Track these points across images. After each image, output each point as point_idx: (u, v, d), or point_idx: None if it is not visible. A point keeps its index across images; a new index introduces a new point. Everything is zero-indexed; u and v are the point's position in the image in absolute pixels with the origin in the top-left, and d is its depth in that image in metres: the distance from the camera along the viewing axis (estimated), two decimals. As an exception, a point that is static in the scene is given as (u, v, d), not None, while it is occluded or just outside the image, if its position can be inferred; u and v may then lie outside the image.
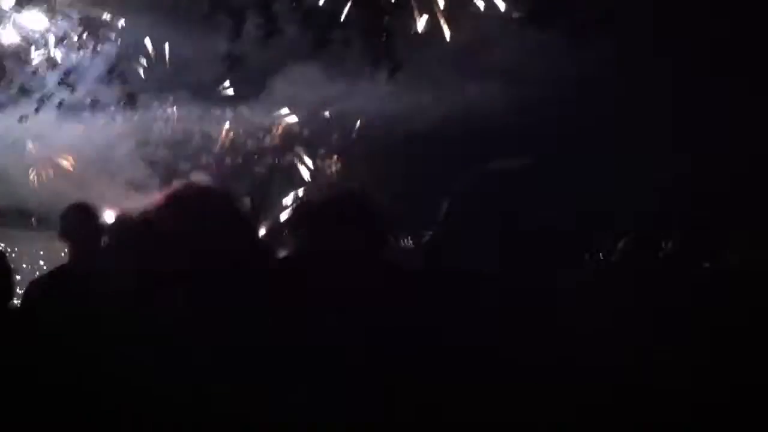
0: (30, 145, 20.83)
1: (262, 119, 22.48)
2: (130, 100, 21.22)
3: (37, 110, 19.52)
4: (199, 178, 22.58)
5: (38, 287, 3.32)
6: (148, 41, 21.94)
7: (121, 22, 21.76)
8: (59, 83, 21.70)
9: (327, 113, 22.79)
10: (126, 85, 22.13)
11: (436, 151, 20.52)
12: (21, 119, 18.82)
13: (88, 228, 3.39)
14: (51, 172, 22.10)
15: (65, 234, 3.41)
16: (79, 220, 3.41)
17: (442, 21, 22.01)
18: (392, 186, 19.47)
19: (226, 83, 22.63)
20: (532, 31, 21.43)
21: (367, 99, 22.65)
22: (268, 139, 22.53)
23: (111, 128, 21.91)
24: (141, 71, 22.12)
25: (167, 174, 23.21)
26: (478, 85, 19.30)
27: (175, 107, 22.13)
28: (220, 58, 22.53)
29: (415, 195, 19.08)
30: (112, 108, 21.96)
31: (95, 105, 21.69)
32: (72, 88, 22.36)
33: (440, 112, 18.90)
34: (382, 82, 22.39)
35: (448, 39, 22.19)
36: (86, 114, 21.66)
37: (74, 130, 21.38)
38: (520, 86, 19.34)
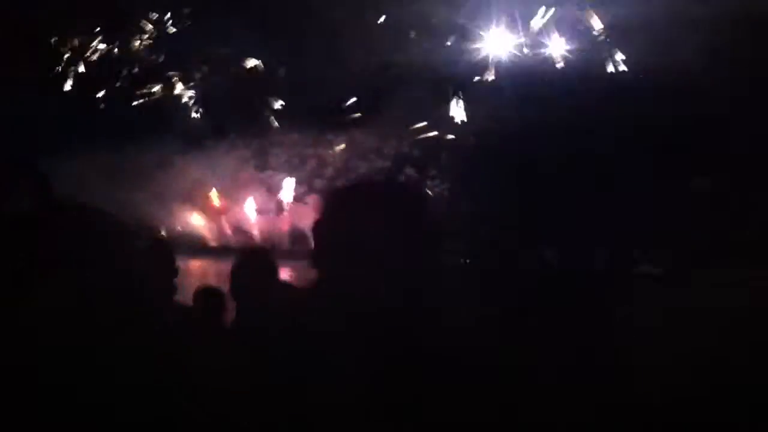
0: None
1: (374, 142, 24.10)
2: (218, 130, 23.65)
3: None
4: (314, 201, 23.99)
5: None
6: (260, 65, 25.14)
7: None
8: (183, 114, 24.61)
9: (436, 133, 24.19)
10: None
11: (546, 166, 21.62)
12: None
13: None
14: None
15: None
16: None
17: (547, 40, 24.28)
18: (503, 202, 20.60)
19: (347, 105, 24.79)
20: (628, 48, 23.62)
21: (475, 119, 24.21)
22: (380, 162, 23.85)
23: (233, 155, 24.27)
24: (271, 102, 24.96)
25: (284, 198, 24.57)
26: (587, 104, 21.04)
27: (289, 133, 24.38)
28: (335, 84, 25.25)
29: (527, 210, 20.37)
30: (233, 135, 24.47)
31: (217, 133, 24.09)
32: (198, 116, 25.31)
33: (549, 130, 20.64)
34: (488, 101, 24.16)
35: (557, 62, 24.20)
36: (209, 141, 24.25)
37: (199, 158, 23.89)
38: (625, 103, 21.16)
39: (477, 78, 22.79)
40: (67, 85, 22.06)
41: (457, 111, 22.68)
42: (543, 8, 21.74)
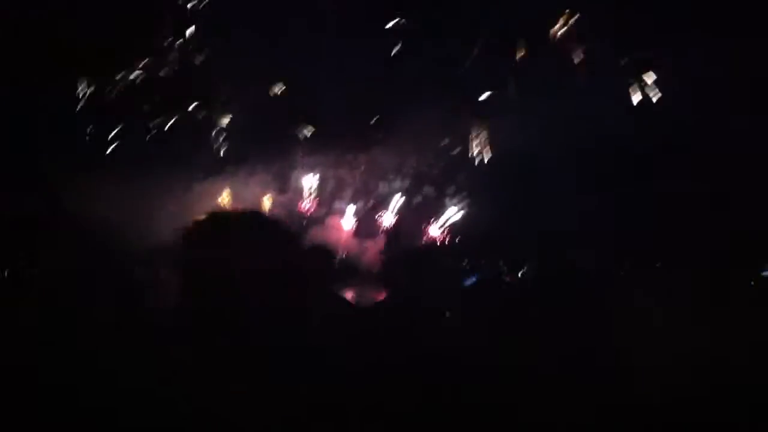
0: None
1: (392, 161, 24.19)
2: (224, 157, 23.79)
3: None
4: (334, 221, 24.16)
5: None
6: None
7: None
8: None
9: (455, 152, 24.25)
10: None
11: (565, 182, 21.62)
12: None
13: None
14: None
15: None
16: None
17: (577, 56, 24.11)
18: (519, 216, 20.69)
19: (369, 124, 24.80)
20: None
21: (494, 136, 24.28)
22: (398, 181, 23.94)
23: (252, 179, 24.46)
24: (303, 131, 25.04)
25: (303, 220, 24.69)
26: (604, 117, 20.96)
27: (311, 154, 24.51)
28: (353, 105, 25.30)
29: (543, 222, 20.46)
30: (255, 158, 24.63)
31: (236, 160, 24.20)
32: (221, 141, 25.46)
33: (568, 146, 20.65)
34: (507, 119, 24.13)
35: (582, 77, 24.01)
36: (230, 166, 24.46)
37: (221, 181, 24.10)
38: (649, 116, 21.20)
39: (498, 92, 22.52)
40: (92, 109, 22.18)
41: (480, 126, 22.65)
42: (565, 14, 21.56)
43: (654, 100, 21.37)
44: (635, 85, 21.64)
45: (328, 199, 23.45)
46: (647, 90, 21.95)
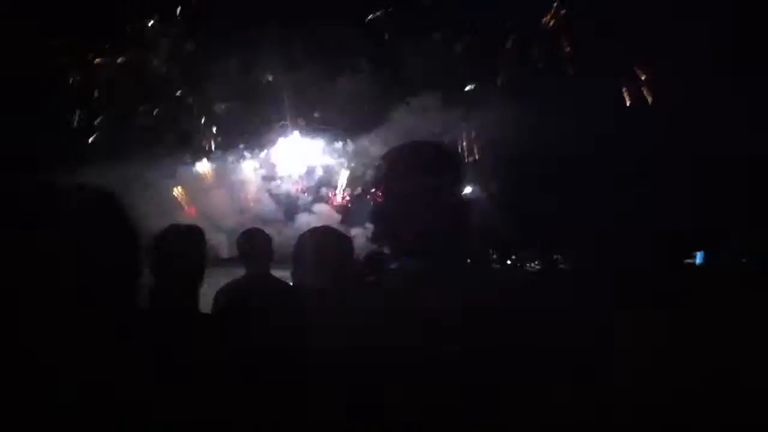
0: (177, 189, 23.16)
1: (380, 149, 24.08)
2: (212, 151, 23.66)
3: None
4: (321, 209, 24.02)
5: (224, 295, 4.77)
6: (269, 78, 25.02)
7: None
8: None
9: (445, 140, 24.12)
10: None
11: (550, 171, 21.53)
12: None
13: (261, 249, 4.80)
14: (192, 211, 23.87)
15: (243, 254, 4.75)
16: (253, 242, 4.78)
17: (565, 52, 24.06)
18: (511, 205, 20.59)
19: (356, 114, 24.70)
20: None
21: (483, 124, 24.22)
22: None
23: (241, 166, 24.31)
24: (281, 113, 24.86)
25: (291, 207, 24.59)
26: (593, 114, 20.84)
27: (297, 142, 24.41)
28: (341, 93, 25.22)
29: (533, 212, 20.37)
30: (241, 146, 24.51)
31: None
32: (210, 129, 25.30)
33: (553, 137, 20.54)
34: (496, 108, 24.04)
35: (571, 71, 23.99)
36: (218, 153, 24.32)
37: (209, 170, 23.94)
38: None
39: (488, 84, 22.50)
40: (78, 98, 22.03)
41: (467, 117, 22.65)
42: (554, 6, 21.53)
43: (647, 97, 21.42)
44: (626, 82, 21.68)
45: (316, 186, 23.39)
46: (640, 86, 21.99)
